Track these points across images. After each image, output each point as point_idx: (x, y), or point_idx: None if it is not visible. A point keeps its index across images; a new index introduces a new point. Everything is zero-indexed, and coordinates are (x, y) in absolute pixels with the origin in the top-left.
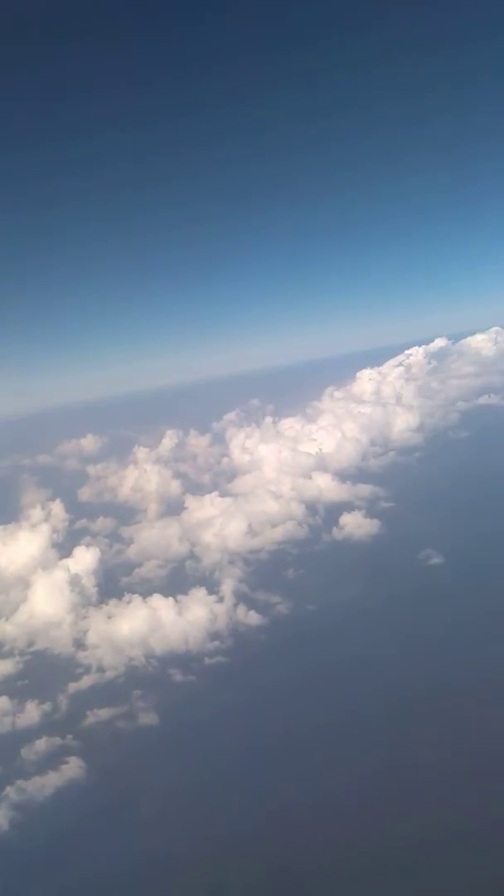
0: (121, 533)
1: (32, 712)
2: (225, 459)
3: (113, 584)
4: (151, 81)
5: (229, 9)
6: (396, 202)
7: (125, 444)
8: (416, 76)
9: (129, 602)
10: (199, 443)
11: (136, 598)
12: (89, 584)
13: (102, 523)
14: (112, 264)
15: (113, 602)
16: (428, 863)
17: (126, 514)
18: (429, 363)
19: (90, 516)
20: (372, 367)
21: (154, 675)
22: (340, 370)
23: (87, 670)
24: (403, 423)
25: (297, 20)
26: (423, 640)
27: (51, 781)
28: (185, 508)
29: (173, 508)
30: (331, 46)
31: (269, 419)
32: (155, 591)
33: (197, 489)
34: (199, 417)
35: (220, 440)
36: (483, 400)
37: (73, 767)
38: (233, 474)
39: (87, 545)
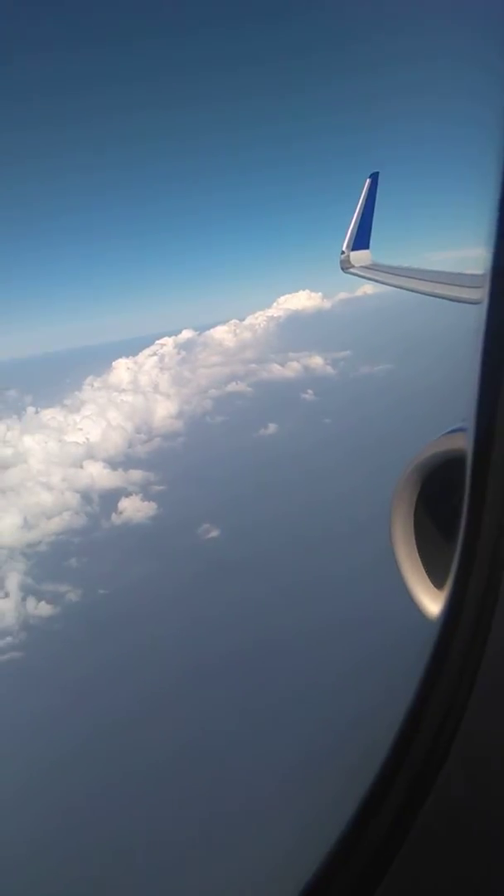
0: None
1: None
2: None
3: None
4: None
5: None
6: (145, 204)
7: None
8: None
9: None
10: None
11: None
12: None
13: None
14: None
15: None
16: None
17: None
18: (178, 353)
19: None
20: (127, 357)
21: None
22: (95, 360)
23: None
24: (164, 411)
25: None
26: (213, 608)
27: None
28: None
29: None
30: None
31: (31, 410)
32: None
33: None
34: None
35: None
36: (231, 387)
37: None
38: None
39: None
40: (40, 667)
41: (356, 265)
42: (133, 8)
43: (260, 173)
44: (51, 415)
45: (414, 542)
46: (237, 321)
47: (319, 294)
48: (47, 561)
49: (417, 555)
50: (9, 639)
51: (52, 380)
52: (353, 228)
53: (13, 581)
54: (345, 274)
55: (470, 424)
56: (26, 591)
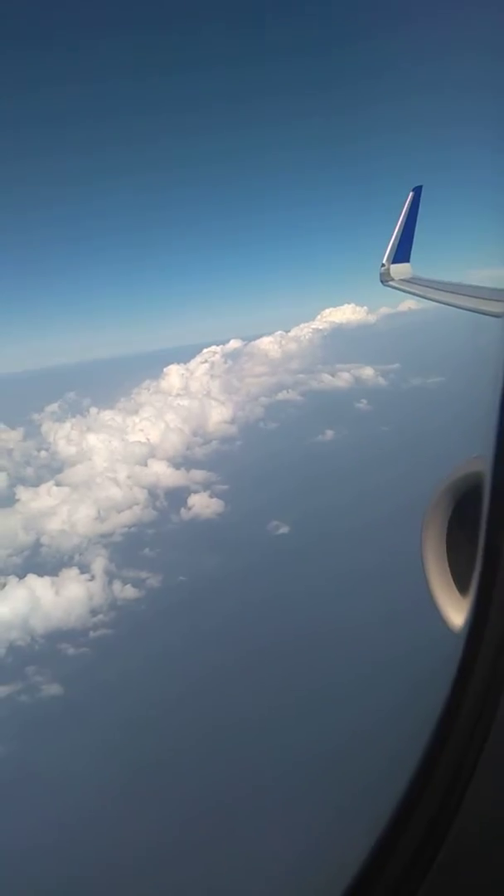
0: None
1: None
2: (43, 452)
3: None
4: None
5: None
6: (191, 220)
7: None
8: None
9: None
10: (11, 437)
11: (12, 580)
12: None
13: None
14: None
15: None
16: None
17: None
18: (226, 362)
19: None
20: (178, 363)
21: (43, 651)
22: (147, 366)
23: None
24: (217, 416)
25: None
26: (287, 597)
27: None
28: (18, 500)
29: (3, 501)
30: None
31: (94, 410)
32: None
33: (23, 482)
34: (5, 412)
35: (33, 434)
36: (281, 395)
37: None
38: (59, 466)
39: None
40: (131, 642)
41: (396, 278)
42: None
43: (305, 188)
44: (110, 416)
45: (446, 558)
46: (282, 332)
47: (364, 308)
48: (124, 550)
49: (448, 570)
50: (100, 616)
51: (108, 383)
52: (394, 241)
53: (98, 566)
54: (386, 287)
55: (489, 445)
56: (110, 576)
